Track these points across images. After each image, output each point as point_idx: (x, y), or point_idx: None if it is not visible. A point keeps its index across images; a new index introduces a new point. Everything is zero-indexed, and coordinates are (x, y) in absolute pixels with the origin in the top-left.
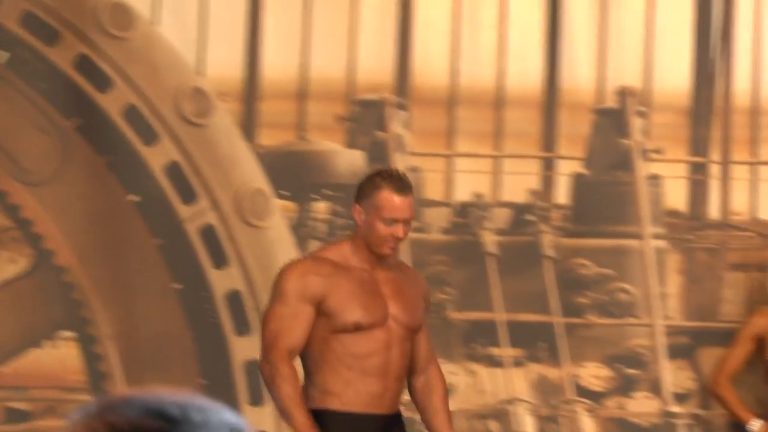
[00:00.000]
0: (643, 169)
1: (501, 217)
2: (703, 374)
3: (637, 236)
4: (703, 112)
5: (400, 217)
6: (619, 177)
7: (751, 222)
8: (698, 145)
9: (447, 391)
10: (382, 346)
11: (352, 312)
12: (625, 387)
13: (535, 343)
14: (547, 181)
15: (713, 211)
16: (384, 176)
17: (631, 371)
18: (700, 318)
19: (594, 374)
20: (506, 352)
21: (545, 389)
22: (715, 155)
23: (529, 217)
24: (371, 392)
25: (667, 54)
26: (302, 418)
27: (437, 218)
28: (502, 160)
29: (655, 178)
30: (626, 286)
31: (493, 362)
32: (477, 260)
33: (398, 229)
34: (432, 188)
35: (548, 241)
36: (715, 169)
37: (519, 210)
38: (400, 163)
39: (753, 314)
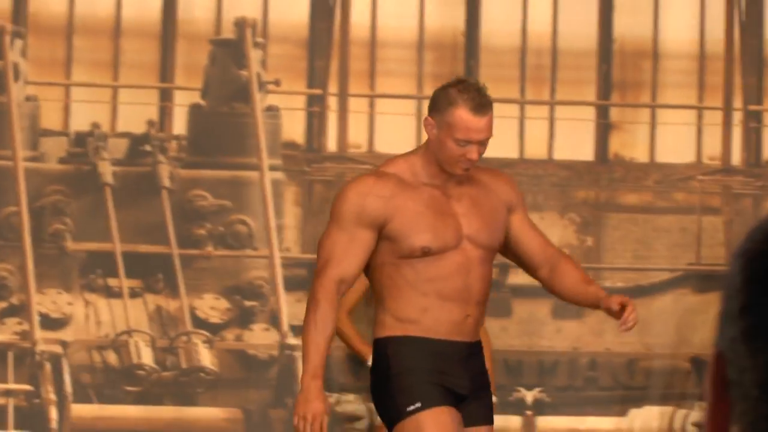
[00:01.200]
0: (261, 100)
1: (118, 147)
2: None
3: (255, 168)
4: (320, 44)
5: (475, 138)
6: (236, 108)
7: (368, 154)
8: (316, 77)
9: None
10: (458, 270)
11: (420, 236)
12: (243, 319)
13: (152, 274)
14: (165, 112)
15: (331, 143)
16: (461, 89)
17: (249, 303)
18: (316, 250)
19: (212, 306)
20: (124, 283)
21: (163, 321)
22: (333, 87)
23: (147, 148)
24: (451, 319)
25: None
26: (314, 362)
27: (54, 148)
28: (120, 90)
29: (272, 110)
30: (244, 217)
31: (111, 293)
32: (94, 190)
33: (472, 151)
34: (49, 117)
35: (165, 172)
36: (332, 102)
37: (136, 140)
38: (17, 92)
39: None
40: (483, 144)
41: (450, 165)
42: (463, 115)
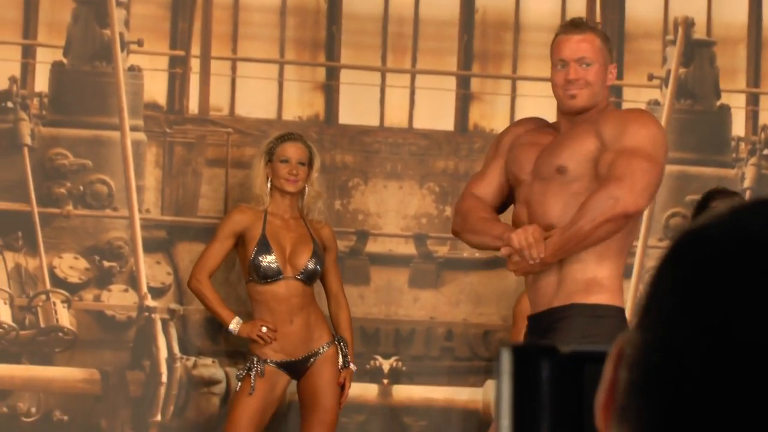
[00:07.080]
0: (123, 60)
1: None
2: (180, 269)
3: (116, 128)
4: (184, 5)
5: (568, 55)
6: (98, 67)
7: (229, 118)
8: (179, 38)
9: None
10: (526, 201)
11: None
12: (102, 279)
13: (12, 231)
14: (27, 69)
15: (193, 105)
16: (563, 23)
17: (108, 264)
18: (177, 213)
19: (71, 265)
20: None
21: (22, 279)
22: (196, 49)
23: (8, 105)
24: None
25: None
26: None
27: None
28: None
29: (134, 70)
30: (104, 177)
31: None
32: None
33: (569, 71)
34: None
35: (27, 130)
36: (195, 64)
37: None
38: None
39: (231, 211)
40: (581, 63)
41: (559, 98)
42: (557, 38)
